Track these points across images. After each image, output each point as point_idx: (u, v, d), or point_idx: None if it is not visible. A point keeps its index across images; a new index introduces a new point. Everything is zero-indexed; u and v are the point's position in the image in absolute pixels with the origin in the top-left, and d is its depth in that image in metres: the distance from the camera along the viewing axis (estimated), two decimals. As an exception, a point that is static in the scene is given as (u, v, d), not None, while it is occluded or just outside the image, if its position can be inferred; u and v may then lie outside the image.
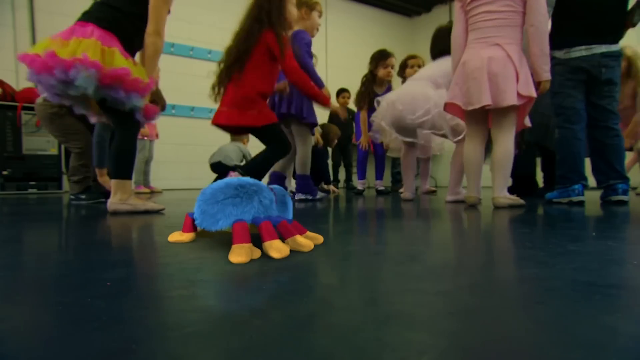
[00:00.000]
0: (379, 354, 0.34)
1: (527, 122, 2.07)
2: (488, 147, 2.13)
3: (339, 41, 6.28)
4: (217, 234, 0.99)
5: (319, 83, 2.48)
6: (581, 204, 2.07)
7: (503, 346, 0.35)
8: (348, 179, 5.15)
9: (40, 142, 3.90)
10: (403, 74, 3.67)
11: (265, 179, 2.33)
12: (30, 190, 3.86)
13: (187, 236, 0.94)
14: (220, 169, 3.60)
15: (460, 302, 0.48)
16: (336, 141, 3.95)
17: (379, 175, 3.70)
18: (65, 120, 2.54)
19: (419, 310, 0.47)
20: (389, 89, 3.48)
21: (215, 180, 2.21)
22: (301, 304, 0.48)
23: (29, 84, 3.42)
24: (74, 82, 1.48)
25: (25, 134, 3.86)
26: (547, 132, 2.77)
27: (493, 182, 1.98)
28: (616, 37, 2.09)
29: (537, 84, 1.93)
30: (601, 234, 1.08)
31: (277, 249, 0.76)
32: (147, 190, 4.16)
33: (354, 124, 4.59)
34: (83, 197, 2.49)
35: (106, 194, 2.19)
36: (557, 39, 2.11)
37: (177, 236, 0.96)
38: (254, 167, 2.12)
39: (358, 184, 3.73)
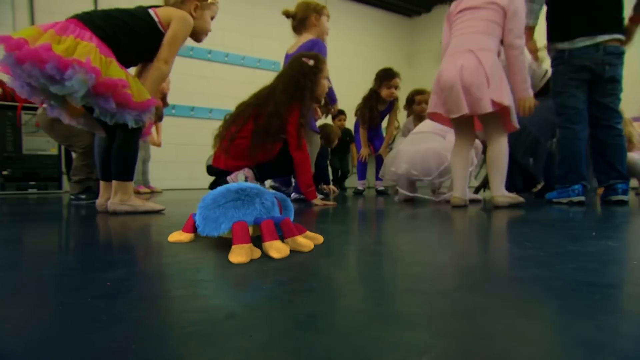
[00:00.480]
0: (379, 354, 0.34)
1: (516, 123, 1.98)
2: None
3: (339, 41, 6.27)
4: (217, 234, 0.99)
5: (333, 98, 2.47)
6: (581, 204, 2.08)
7: (503, 346, 0.35)
8: (341, 185, 5.11)
9: (40, 142, 3.90)
10: (409, 108, 3.67)
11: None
12: (30, 190, 3.85)
13: (187, 236, 0.94)
14: (216, 171, 3.60)
15: (460, 302, 0.48)
16: (336, 141, 3.94)
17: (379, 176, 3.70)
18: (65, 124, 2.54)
19: (419, 310, 0.47)
20: (391, 105, 3.48)
21: (213, 183, 2.23)
22: (301, 304, 0.48)
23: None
24: (65, 82, 1.39)
25: (25, 134, 3.86)
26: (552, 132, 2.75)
27: (490, 182, 2.01)
28: (618, 28, 2.07)
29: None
30: (601, 234, 1.08)
31: (277, 249, 0.76)
32: (147, 190, 4.16)
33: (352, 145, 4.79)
34: (83, 197, 2.49)
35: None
36: (559, 33, 2.11)
37: (177, 236, 0.96)
38: (264, 167, 2.17)
39: (358, 184, 3.73)
